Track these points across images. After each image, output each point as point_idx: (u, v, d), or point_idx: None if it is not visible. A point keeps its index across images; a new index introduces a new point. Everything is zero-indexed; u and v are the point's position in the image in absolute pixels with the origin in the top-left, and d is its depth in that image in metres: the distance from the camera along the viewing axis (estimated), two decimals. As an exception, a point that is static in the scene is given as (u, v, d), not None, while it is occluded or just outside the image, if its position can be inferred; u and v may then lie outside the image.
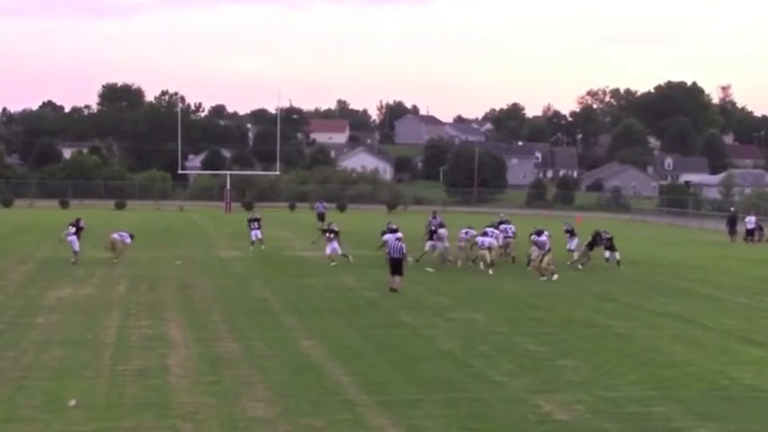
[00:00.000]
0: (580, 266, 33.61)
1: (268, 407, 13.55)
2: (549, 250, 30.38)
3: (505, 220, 38.62)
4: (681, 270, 34.75)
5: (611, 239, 34.52)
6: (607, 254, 34.26)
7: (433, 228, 35.71)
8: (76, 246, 32.44)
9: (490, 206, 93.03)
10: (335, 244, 33.11)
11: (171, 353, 17.19)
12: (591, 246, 34.74)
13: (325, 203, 60.13)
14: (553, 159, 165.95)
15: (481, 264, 31.86)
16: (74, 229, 32.75)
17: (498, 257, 33.73)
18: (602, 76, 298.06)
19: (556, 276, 29.41)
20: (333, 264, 32.40)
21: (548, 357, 17.54)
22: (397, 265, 26.13)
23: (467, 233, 34.38)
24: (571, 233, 35.89)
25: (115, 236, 33.65)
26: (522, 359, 17.29)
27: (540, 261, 30.35)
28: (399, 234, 27.68)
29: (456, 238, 34.90)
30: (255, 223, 39.70)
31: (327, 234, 33.75)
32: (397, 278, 26.09)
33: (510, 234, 35.74)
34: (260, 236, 39.25)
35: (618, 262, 33.96)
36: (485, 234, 33.43)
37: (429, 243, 34.21)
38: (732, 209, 61.73)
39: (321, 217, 55.30)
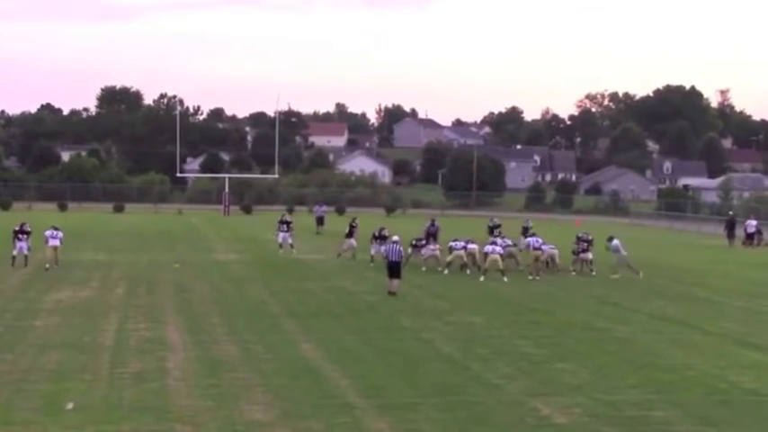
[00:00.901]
0: (573, 273, 33.36)
1: (267, 410, 13.54)
2: (542, 252, 31.48)
3: (497, 224, 39.09)
4: (679, 274, 34.75)
5: (590, 242, 33.89)
6: (582, 255, 33.72)
7: (431, 233, 36.08)
8: (25, 248, 31.88)
9: (489, 210, 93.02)
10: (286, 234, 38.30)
11: (169, 356, 17.18)
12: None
13: (324, 207, 60.05)
14: (552, 163, 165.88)
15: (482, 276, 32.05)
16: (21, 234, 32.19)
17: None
18: (601, 79, 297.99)
19: (537, 278, 30.41)
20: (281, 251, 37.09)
21: (546, 361, 17.54)
22: (395, 269, 26.13)
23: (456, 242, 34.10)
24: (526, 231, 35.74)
25: None
26: (520, 362, 17.29)
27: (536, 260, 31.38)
28: (396, 238, 27.64)
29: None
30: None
31: (281, 225, 38.83)
32: (396, 281, 26.09)
33: (509, 243, 35.39)
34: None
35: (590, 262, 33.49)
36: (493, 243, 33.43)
37: (424, 249, 34.01)
38: (731, 213, 61.70)
39: (320, 221, 55.13)
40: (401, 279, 26.40)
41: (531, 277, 30.67)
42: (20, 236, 32.10)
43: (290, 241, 38.57)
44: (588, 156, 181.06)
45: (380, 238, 34.32)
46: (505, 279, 29.98)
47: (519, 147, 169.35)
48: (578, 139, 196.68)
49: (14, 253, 31.83)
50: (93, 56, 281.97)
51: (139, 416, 13.09)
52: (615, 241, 33.17)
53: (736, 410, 14.27)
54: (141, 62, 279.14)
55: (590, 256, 33.43)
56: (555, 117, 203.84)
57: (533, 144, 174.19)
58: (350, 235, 36.97)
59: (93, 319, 21.31)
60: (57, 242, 31.98)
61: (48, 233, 32.16)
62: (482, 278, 30.16)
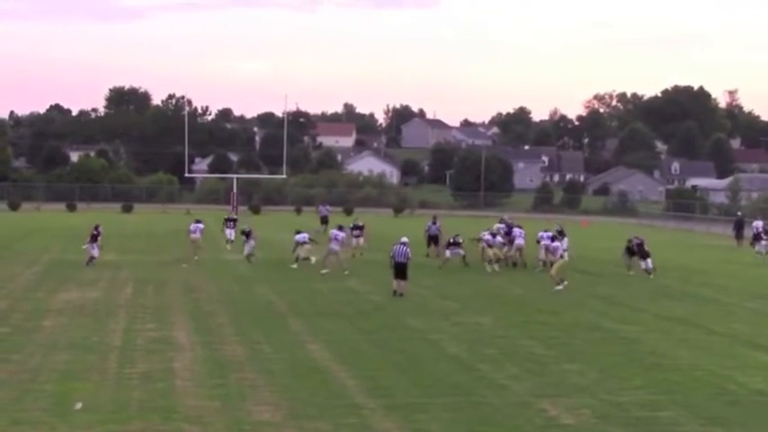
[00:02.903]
0: (631, 273, 32.58)
1: (274, 410, 13.56)
2: (560, 257, 29.76)
3: (507, 220, 38.76)
4: (687, 274, 34.68)
5: (640, 245, 32.89)
6: (642, 264, 32.47)
7: (432, 233, 36.60)
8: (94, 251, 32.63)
9: (497, 210, 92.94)
10: (252, 243, 35.32)
11: (177, 356, 17.22)
12: (629, 252, 33.53)
13: (329, 207, 60.08)
14: (560, 163, 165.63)
15: (486, 265, 32.11)
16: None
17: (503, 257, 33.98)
18: (609, 79, 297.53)
19: (560, 287, 28.17)
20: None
21: (554, 361, 17.53)
22: (401, 270, 26.04)
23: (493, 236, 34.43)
24: (561, 233, 35.68)
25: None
26: (527, 363, 17.28)
27: (551, 267, 29.85)
28: (405, 239, 27.48)
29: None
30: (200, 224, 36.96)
31: (242, 235, 36.04)
32: (402, 282, 26.05)
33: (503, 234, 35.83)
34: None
35: (648, 271, 32.16)
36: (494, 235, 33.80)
37: (448, 251, 33.88)
38: (739, 213, 61.56)
39: (324, 220, 55.28)
40: (407, 280, 26.27)
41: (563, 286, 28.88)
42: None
43: (232, 238, 39.49)
44: (596, 156, 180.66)
45: (246, 234, 35.23)
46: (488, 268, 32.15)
47: (527, 147, 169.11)
48: (586, 140, 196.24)
49: (93, 253, 32.76)
50: (101, 56, 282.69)
51: (147, 416, 13.12)
52: (556, 242, 31.79)
53: (744, 411, 14.24)
54: (150, 63, 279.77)
55: (650, 263, 32.25)
56: (563, 117, 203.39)
57: (541, 144, 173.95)
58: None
59: (101, 319, 21.37)
60: (197, 235, 35.67)
61: (191, 227, 36.24)
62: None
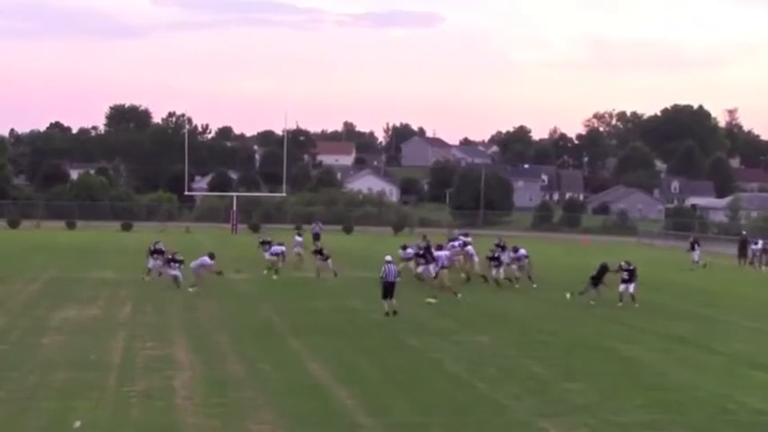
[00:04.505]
0: (592, 302, 29.59)
1: (273, 429, 13.52)
2: (443, 266, 30.15)
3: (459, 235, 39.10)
4: (687, 293, 34.64)
5: (631, 272, 29.76)
6: (622, 286, 29.50)
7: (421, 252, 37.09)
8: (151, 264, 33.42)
9: (496, 229, 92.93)
10: (159, 263, 33.78)
11: (176, 374, 17.18)
12: (596, 280, 29.96)
13: (321, 224, 60.15)
14: (559, 182, 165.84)
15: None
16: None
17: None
18: (609, 98, 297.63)
19: (432, 300, 28.64)
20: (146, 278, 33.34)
21: (554, 380, 17.50)
22: (390, 289, 25.81)
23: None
24: (501, 248, 35.56)
25: None
26: (527, 382, 17.25)
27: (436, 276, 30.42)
28: (389, 258, 27.11)
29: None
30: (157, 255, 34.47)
31: (153, 255, 34.20)
32: (394, 301, 25.78)
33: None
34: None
35: (624, 296, 29.38)
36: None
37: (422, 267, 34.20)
38: (743, 232, 61.64)
39: (316, 237, 55.46)
40: (394, 299, 25.91)
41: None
42: (154, 255, 33.42)
43: (150, 265, 34.20)
44: (596, 175, 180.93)
45: (156, 252, 34.37)
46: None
47: (526, 166, 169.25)
48: (586, 159, 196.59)
49: (149, 267, 33.35)
50: (102, 74, 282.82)
51: (146, 434, 13.09)
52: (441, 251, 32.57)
53: (744, 431, 14.20)
54: (150, 81, 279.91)
55: (632, 288, 29.30)
56: (563, 136, 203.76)
57: (541, 163, 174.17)
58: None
59: (100, 337, 21.33)
60: (300, 249, 38.40)
61: (298, 239, 39.66)
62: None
